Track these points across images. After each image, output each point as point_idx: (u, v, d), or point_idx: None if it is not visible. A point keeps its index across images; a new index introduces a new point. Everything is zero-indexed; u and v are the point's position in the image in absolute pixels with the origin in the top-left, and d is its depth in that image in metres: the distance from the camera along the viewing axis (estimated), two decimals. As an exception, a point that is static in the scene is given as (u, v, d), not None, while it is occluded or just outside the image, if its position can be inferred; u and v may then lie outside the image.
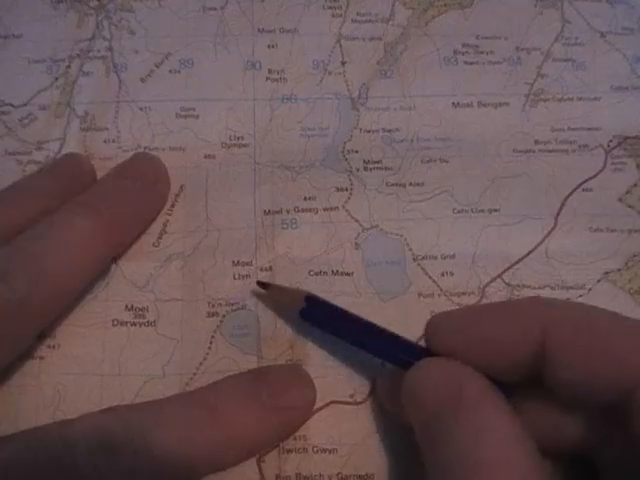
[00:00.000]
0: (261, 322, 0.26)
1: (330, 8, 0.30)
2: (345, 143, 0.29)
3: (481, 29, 0.30)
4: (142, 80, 0.29)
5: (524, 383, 0.21)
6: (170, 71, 0.30)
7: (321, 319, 0.24)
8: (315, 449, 0.24)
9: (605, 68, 0.30)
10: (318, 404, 0.25)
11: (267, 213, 0.28)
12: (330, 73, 0.30)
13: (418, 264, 0.27)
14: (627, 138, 0.29)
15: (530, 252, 0.27)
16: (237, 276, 0.27)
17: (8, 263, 0.22)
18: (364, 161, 0.29)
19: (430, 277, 0.27)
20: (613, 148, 0.29)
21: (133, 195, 0.26)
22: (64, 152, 0.28)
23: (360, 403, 0.25)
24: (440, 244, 0.27)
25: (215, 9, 0.30)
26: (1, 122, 0.29)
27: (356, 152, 0.29)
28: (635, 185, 0.28)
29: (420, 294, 0.27)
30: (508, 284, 0.27)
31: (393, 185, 0.28)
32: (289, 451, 0.24)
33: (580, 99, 0.30)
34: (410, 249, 0.27)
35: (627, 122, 0.29)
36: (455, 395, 0.19)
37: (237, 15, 0.30)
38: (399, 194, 0.28)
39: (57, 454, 0.20)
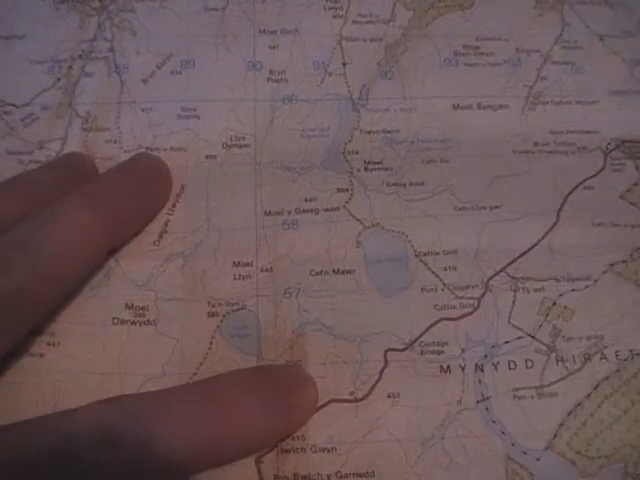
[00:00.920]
0: (261, 322, 0.26)
1: (331, 9, 0.31)
2: (346, 144, 0.29)
3: (481, 30, 0.31)
4: (144, 81, 0.30)
5: None
6: (171, 72, 0.30)
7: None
8: (314, 448, 0.24)
9: (604, 72, 0.30)
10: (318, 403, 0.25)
11: (268, 214, 0.28)
12: (331, 74, 0.30)
13: (420, 260, 0.27)
14: (625, 141, 0.29)
15: (533, 246, 0.27)
16: (237, 276, 0.27)
17: (7, 252, 0.22)
18: (365, 162, 0.29)
19: (433, 272, 0.27)
20: (611, 150, 0.29)
21: (134, 190, 0.26)
22: (65, 152, 0.28)
23: (360, 400, 0.25)
24: (442, 240, 0.27)
25: (216, 10, 0.30)
26: (3, 122, 0.29)
27: (357, 153, 0.29)
28: (636, 184, 0.28)
29: (423, 289, 0.27)
30: (512, 277, 0.27)
31: (394, 185, 0.28)
32: (287, 451, 0.24)
33: (578, 102, 0.30)
34: (412, 246, 0.27)
35: (625, 126, 0.29)
36: None
37: (238, 16, 0.30)
38: (400, 193, 0.28)
39: (58, 447, 0.19)
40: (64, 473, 0.19)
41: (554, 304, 0.26)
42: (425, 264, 0.27)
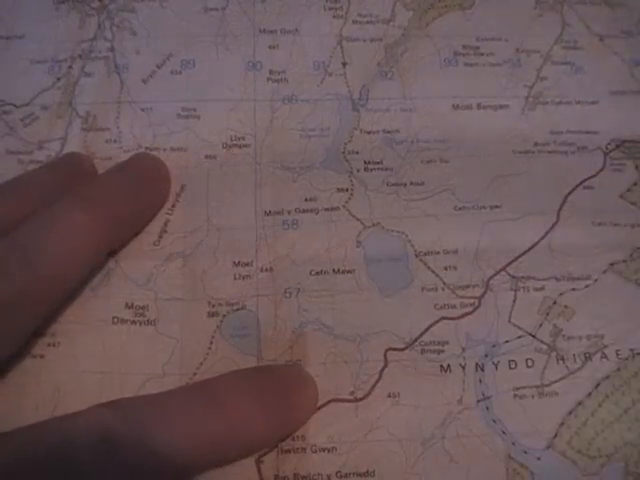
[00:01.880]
0: (261, 322, 0.26)
1: (331, 9, 0.31)
2: (346, 144, 0.29)
3: (481, 31, 0.31)
4: (144, 81, 0.30)
5: None
6: (171, 72, 0.30)
7: None
8: (314, 448, 0.24)
9: (604, 72, 0.30)
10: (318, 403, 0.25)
11: (268, 214, 0.28)
12: (331, 74, 0.30)
13: (420, 260, 0.27)
14: (625, 142, 0.29)
15: (534, 245, 0.27)
16: (237, 276, 0.27)
17: (6, 255, 0.22)
18: (365, 162, 0.29)
19: (433, 271, 0.27)
20: (611, 151, 0.29)
21: (133, 190, 0.26)
22: (65, 152, 0.28)
23: (361, 400, 0.25)
24: (442, 240, 0.27)
25: (216, 10, 0.30)
26: (3, 122, 0.29)
27: (357, 153, 0.29)
28: (636, 184, 0.28)
29: (423, 288, 0.27)
30: (513, 276, 0.27)
31: (394, 185, 0.28)
32: (288, 451, 0.24)
33: (578, 102, 0.30)
34: (412, 245, 0.27)
35: (625, 126, 0.29)
36: None
37: (238, 16, 0.30)
38: (400, 193, 0.28)
39: (58, 450, 0.19)
40: (64, 476, 0.19)
41: (554, 303, 0.26)
42: (425, 264, 0.27)
